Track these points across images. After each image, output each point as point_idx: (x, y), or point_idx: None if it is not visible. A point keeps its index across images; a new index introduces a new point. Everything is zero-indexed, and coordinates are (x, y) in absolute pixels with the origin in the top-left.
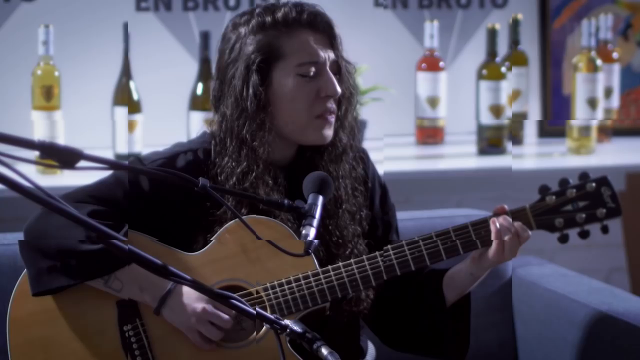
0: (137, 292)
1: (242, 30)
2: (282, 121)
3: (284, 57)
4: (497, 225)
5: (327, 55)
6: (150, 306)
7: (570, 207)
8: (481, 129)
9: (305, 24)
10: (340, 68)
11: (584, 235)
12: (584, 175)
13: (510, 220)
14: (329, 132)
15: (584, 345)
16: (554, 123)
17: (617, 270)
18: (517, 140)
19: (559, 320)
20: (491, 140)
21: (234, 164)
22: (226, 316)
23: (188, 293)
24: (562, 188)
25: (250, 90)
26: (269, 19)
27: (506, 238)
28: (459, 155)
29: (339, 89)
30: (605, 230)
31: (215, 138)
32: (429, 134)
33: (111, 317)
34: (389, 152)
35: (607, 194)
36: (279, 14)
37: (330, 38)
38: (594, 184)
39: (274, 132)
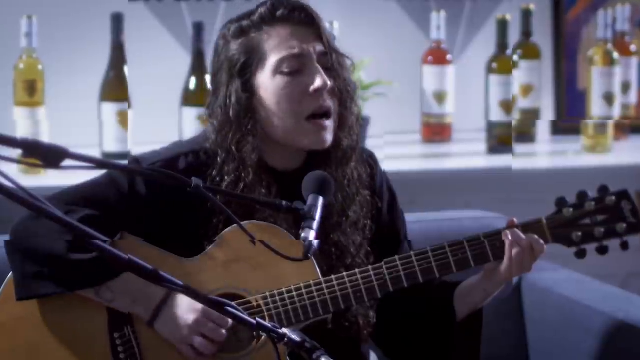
0: (129, 304)
1: (226, 37)
2: (271, 127)
3: (265, 57)
4: (511, 237)
5: (313, 48)
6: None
7: (588, 220)
8: (491, 126)
9: (283, 19)
10: (331, 62)
11: (602, 250)
12: (603, 188)
13: (524, 233)
14: (325, 136)
15: (600, 355)
16: (569, 120)
17: (634, 275)
18: (529, 137)
19: (573, 328)
20: (501, 138)
21: (224, 176)
22: (220, 329)
23: (180, 304)
24: (580, 201)
25: (234, 97)
26: (246, 22)
27: (520, 251)
28: (467, 153)
29: (328, 81)
30: (625, 246)
31: (208, 150)
32: (436, 131)
33: (101, 323)
34: (393, 151)
35: (627, 208)
36: (256, 15)
37: (315, 30)
38: (613, 198)
39: (272, 140)
